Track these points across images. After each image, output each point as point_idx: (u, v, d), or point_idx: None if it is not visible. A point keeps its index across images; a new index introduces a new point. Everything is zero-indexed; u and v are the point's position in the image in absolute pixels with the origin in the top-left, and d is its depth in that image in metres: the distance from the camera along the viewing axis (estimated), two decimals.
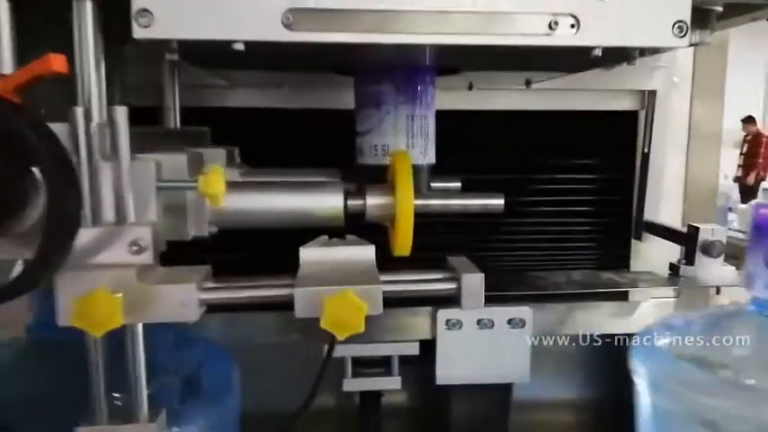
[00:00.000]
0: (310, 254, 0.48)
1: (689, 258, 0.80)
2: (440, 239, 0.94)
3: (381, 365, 0.96)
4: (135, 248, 0.41)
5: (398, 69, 0.62)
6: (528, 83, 0.83)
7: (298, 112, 0.86)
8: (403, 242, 0.52)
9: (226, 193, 0.53)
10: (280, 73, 0.82)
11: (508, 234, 0.97)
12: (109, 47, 0.71)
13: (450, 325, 0.92)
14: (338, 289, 0.39)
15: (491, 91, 0.88)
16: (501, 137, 0.93)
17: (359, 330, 0.39)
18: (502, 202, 0.59)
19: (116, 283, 0.40)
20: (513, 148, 0.93)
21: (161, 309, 0.41)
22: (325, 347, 0.89)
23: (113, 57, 0.70)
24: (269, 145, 0.84)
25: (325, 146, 0.82)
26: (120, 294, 0.40)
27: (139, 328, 0.44)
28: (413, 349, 0.93)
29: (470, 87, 0.86)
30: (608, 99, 0.93)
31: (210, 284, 0.43)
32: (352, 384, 0.95)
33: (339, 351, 0.91)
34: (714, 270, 0.78)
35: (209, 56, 0.58)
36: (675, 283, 0.81)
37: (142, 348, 0.44)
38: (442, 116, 0.86)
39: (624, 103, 0.94)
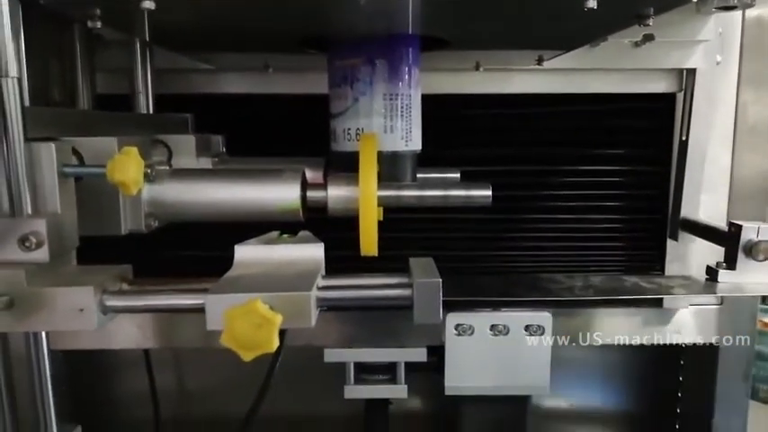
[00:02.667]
0: (246, 253, 0.41)
1: (729, 261, 0.69)
2: (448, 237, 0.87)
3: (387, 372, 0.89)
4: (27, 244, 0.35)
5: (372, 39, 0.54)
6: (540, 60, 0.73)
7: (287, 97, 0.79)
8: (367, 239, 0.45)
9: (168, 182, 0.47)
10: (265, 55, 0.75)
11: (526, 232, 0.88)
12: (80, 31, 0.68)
13: (461, 330, 0.84)
14: (249, 297, 0.32)
15: (501, 72, 0.79)
16: (514, 124, 0.83)
17: (269, 349, 0.31)
18: (489, 193, 0.50)
19: (2, 285, 0.34)
20: (528, 136, 0.84)
21: (54, 315, 0.34)
22: (327, 350, 0.85)
23: (84, 41, 0.67)
24: (259, 132, 0.79)
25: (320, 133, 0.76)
26: (5, 298, 0.34)
27: (43, 335, 0.38)
28: (420, 355, 0.86)
29: (477, 67, 0.76)
30: (640, 80, 0.82)
31: (116, 288, 0.37)
32: (355, 392, 0.88)
33: (340, 356, 0.85)
34: (759, 275, 0.67)
35: (132, 24, 0.51)
36: (712, 290, 0.70)
37: (47, 358, 0.38)
38: (445, 101, 0.79)
39: (659, 85, 0.83)
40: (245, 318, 0.31)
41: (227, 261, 0.43)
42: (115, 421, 1.04)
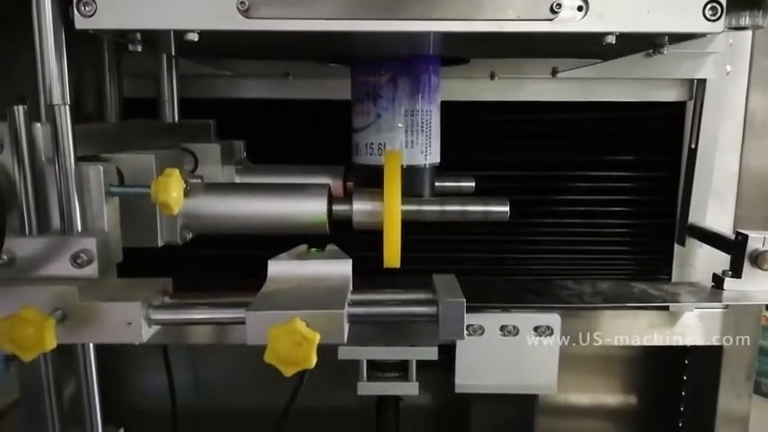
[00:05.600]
0: (279, 267, 0.43)
1: (735, 270, 0.71)
2: (456, 239, 0.88)
3: (399, 369, 0.91)
4: (78, 261, 0.38)
5: (395, 59, 0.56)
6: (554, 72, 0.75)
7: (307, 103, 0.81)
8: (390, 253, 0.47)
9: (201, 196, 0.49)
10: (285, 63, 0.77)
11: (535, 236, 0.89)
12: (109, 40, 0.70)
13: (471, 330, 0.86)
14: (288, 314, 0.34)
15: (516, 80, 0.80)
16: (527, 131, 0.85)
17: (307, 365, 0.34)
18: (507, 209, 0.52)
19: (56, 300, 0.37)
20: (540, 143, 0.86)
21: (103, 328, 0.37)
22: (340, 347, 0.88)
23: (112, 50, 0.69)
24: (278, 138, 0.80)
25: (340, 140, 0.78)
26: (60, 312, 0.36)
27: (91, 346, 0.40)
28: (431, 354, 0.88)
29: (492, 76, 0.78)
30: (650, 89, 0.84)
31: (160, 302, 0.39)
32: (367, 388, 0.90)
33: (354, 353, 0.87)
34: (765, 284, 0.69)
35: (178, 46, 0.54)
36: (718, 298, 0.72)
37: (95, 368, 0.40)
38: (459, 108, 0.81)
39: (669, 94, 0.85)
40: (287, 336, 0.33)
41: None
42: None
